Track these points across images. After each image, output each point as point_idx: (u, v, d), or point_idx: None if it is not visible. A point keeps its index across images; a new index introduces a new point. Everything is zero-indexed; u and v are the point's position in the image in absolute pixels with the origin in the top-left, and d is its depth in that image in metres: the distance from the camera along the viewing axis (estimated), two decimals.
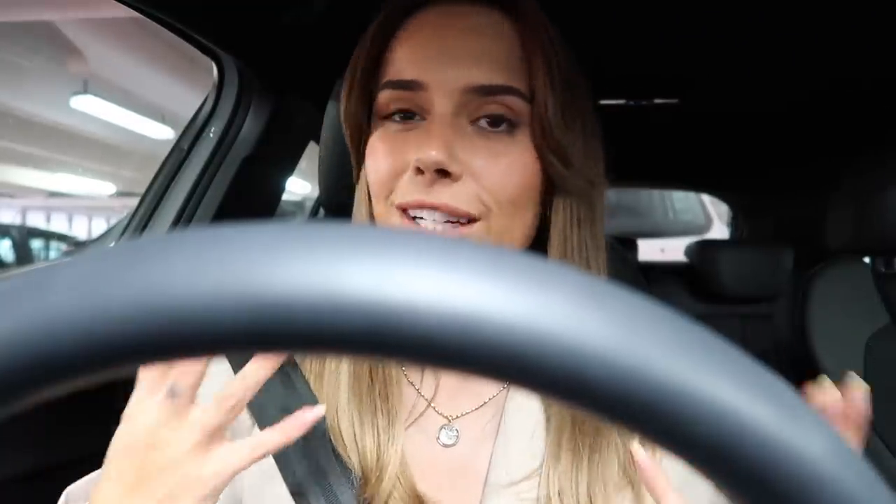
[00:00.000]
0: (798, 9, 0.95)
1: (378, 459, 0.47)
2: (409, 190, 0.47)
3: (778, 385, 0.14)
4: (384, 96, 0.50)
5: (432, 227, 0.47)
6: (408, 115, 0.49)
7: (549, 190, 0.51)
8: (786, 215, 1.94)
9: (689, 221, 3.60)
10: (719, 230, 3.71)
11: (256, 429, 0.50)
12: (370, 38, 0.51)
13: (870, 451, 1.22)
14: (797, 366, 1.38)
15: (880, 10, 0.94)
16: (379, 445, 0.48)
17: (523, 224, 0.50)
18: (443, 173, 0.46)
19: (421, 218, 0.47)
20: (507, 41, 0.49)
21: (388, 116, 0.50)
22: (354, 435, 0.48)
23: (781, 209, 1.98)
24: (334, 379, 0.51)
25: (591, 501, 0.46)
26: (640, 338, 0.13)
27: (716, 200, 2.83)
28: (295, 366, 0.53)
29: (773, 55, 1.14)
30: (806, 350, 1.34)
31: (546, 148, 0.48)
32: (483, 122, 0.48)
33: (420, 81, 0.48)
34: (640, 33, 1.06)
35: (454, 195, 0.47)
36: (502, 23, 0.49)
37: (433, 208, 0.47)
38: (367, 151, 0.51)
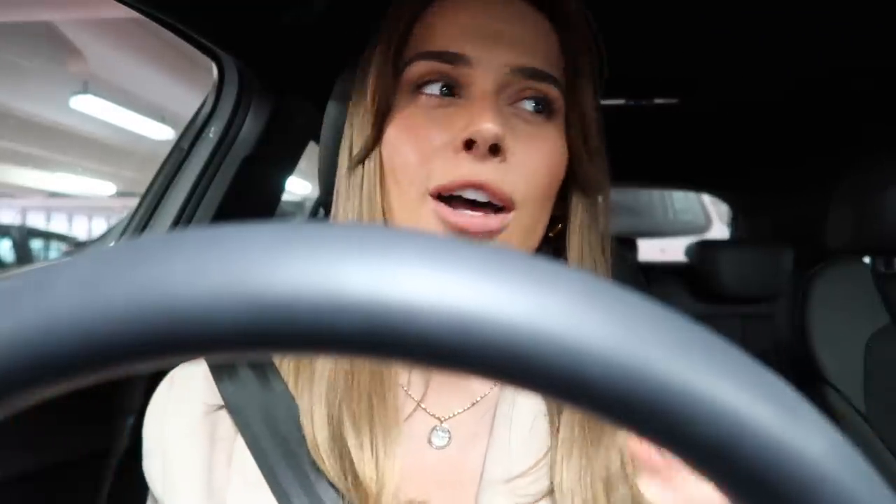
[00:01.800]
0: (798, 9, 0.95)
1: (377, 474, 0.44)
2: (451, 169, 0.44)
3: (778, 385, 0.14)
4: (419, 67, 0.47)
5: (468, 215, 0.44)
6: (443, 92, 0.47)
7: (563, 192, 0.51)
8: (786, 215, 1.94)
9: (689, 221, 3.60)
10: (719, 230, 3.70)
11: (239, 436, 0.48)
12: (410, 6, 0.48)
13: (870, 451, 1.22)
14: (797, 366, 1.38)
15: (880, 10, 0.94)
16: (377, 460, 0.45)
17: (544, 221, 0.49)
18: (494, 150, 0.43)
19: (458, 199, 0.44)
20: (550, 39, 0.49)
21: (419, 88, 0.47)
22: (346, 447, 0.45)
23: (781, 209, 1.98)
24: (308, 383, 0.48)
25: (594, 496, 0.46)
26: (640, 337, 0.13)
27: (716, 200, 2.83)
28: (272, 365, 0.51)
29: (772, 55, 1.14)
30: (806, 350, 1.34)
31: (582, 145, 0.48)
32: (524, 104, 0.47)
33: (465, 55, 0.46)
34: (640, 33, 1.06)
35: (502, 174, 0.44)
36: (546, 23, 0.49)
37: (479, 187, 0.44)
38: (391, 132, 0.47)
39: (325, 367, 0.48)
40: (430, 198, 0.45)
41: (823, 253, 1.40)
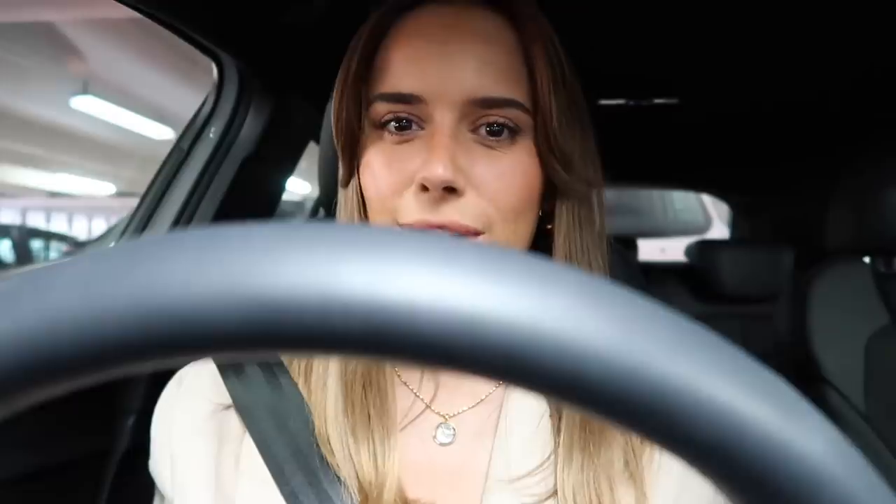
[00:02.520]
0: (797, 9, 0.95)
1: (377, 473, 0.46)
2: (413, 209, 0.46)
3: (778, 385, 0.14)
4: (379, 108, 0.48)
5: None
6: (404, 126, 0.48)
7: (549, 192, 0.51)
8: (786, 215, 1.94)
9: (689, 221, 3.60)
10: (719, 230, 3.70)
11: (248, 434, 0.49)
12: (363, 39, 0.49)
13: (870, 451, 1.22)
14: (797, 366, 1.38)
15: (879, 11, 0.94)
16: (376, 458, 0.46)
17: (525, 230, 0.50)
18: (449, 190, 0.45)
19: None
20: (509, 49, 0.48)
21: (382, 126, 0.48)
22: (349, 446, 0.47)
23: (781, 209, 1.98)
24: (322, 383, 0.49)
25: (599, 496, 0.46)
26: (640, 337, 0.13)
27: (716, 200, 2.83)
28: (282, 365, 0.52)
29: (772, 55, 1.14)
30: (806, 350, 1.34)
31: (550, 155, 0.48)
32: (483, 132, 0.47)
33: (419, 95, 0.46)
34: (639, 33, 1.06)
35: (460, 211, 0.45)
36: (503, 28, 0.48)
37: (440, 227, 0.45)
38: (363, 164, 0.49)
39: (335, 365, 0.49)
40: (399, 227, 0.47)
41: (823, 253, 1.40)
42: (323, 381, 0.49)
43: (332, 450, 0.47)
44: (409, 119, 0.47)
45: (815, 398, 1.28)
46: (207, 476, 0.48)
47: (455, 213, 0.45)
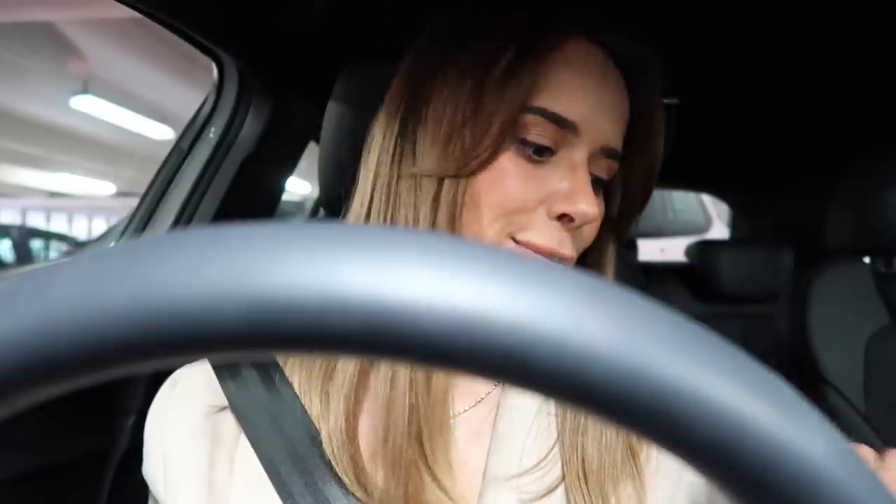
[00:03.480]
0: (797, 9, 0.95)
1: (387, 495, 0.45)
2: (542, 233, 0.48)
3: (778, 385, 0.14)
4: (534, 120, 0.47)
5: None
6: (543, 152, 0.48)
7: None
8: (786, 215, 1.94)
9: (689, 221, 3.60)
10: (719, 230, 3.70)
11: (243, 436, 0.49)
12: (533, 51, 0.48)
13: None
14: (797, 366, 1.38)
15: (878, 11, 0.94)
16: (393, 478, 0.45)
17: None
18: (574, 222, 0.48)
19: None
20: (625, 106, 0.51)
21: (522, 139, 0.48)
22: (359, 446, 0.46)
23: (781, 209, 1.98)
24: (324, 385, 0.49)
25: (601, 492, 0.46)
26: (640, 338, 0.13)
27: (716, 200, 2.83)
28: (277, 366, 0.51)
29: (773, 55, 1.14)
30: (806, 350, 1.34)
31: (630, 198, 0.55)
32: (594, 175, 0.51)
33: (576, 124, 0.48)
34: (639, 33, 1.06)
35: (574, 245, 0.49)
36: (622, 83, 0.52)
37: (554, 254, 0.48)
38: (492, 168, 0.48)
39: (337, 366, 0.49)
40: (511, 240, 0.49)
41: (823, 253, 1.40)
42: (323, 382, 0.49)
43: (333, 449, 0.46)
44: (549, 147, 0.48)
45: (815, 398, 1.28)
46: (200, 478, 0.47)
47: (570, 248, 0.49)
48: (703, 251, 1.64)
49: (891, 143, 1.35)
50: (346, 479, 0.46)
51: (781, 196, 1.97)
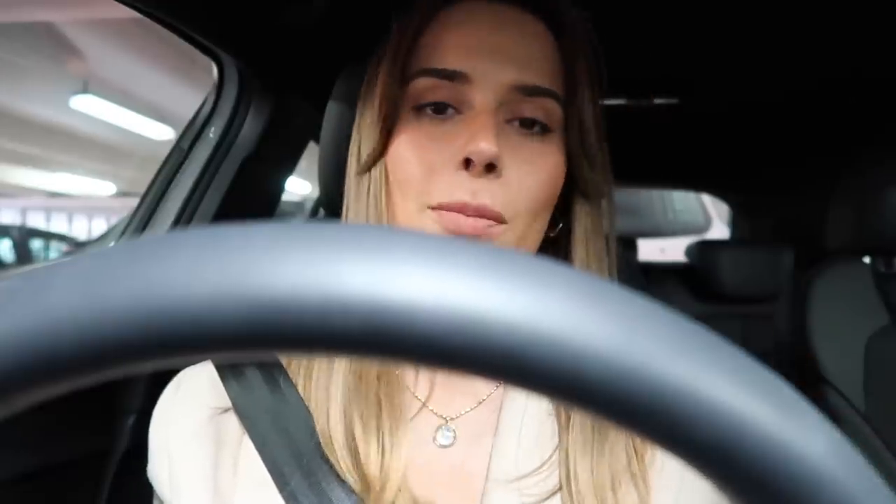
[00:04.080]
0: (797, 8, 0.95)
1: (381, 469, 0.45)
2: (449, 189, 0.46)
3: (778, 385, 0.14)
4: (422, 84, 0.48)
5: (462, 219, 0.46)
6: (441, 109, 0.48)
7: (566, 195, 0.51)
8: (786, 215, 1.94)
9: (689, 221, 3.60)
10: (719, 230, 3.70)
11: (247, 438, 0.49)
12: (413, 20, 0.49)
13: (870, 451, 1.22)
14: (797, 366, 1.38)
15: (878, 10, 0.94)
16: (383, 454, 0.46)
17: (541, 229, 0.50)
18: (490, 168, 0.45)
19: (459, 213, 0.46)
20: (549, 49, 0.49)
21: (419, 108, 0.48)
22: (355, 442, 0.46)
23: (781, 209, 1.98)
24: (325, 382, 0.49)
25: (602, 495, 0.46)
26: (640, 338, 0.13)
27: (716, 200, 2.82)
28: (281, 367, 0.51)
29: (772, 55, 1.14)
30: (806, 350, 1.34)
31: (580, 151, 0.49)
32: (517, 123, 0.48)
33: (465, 73, 0.47)
34: (639, 33, 1.06)
35: (494, 196, 0.46)
36: (545, 32, 0.50)
37: (475, 212, 0.45)
38: (395, 144, 0.48)
39: (338, 367, 0.49)
40: (430, 210, 0.47)
41: (823, 253, 1.40)
42: (328, 377, 0.49)
43: (335, 451, 0.46)
44: (447, 102, 0.48)
45: (815, 398, 1.28)
46: (205, 480, 0.47)
47: (489, 197, 0.45)
48: (703, 251, 1.64)
49: (890, 143, 1.35)
50: (349, 479, 0.46)
51: (781, 196, 1.97)
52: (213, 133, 1.12)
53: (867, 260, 1.42)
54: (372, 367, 0.49)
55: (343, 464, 0.46)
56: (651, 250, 3.36)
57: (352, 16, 0.95)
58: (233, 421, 0.50)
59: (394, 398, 0.48)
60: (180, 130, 1.17)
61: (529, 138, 0.48)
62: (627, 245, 2.58)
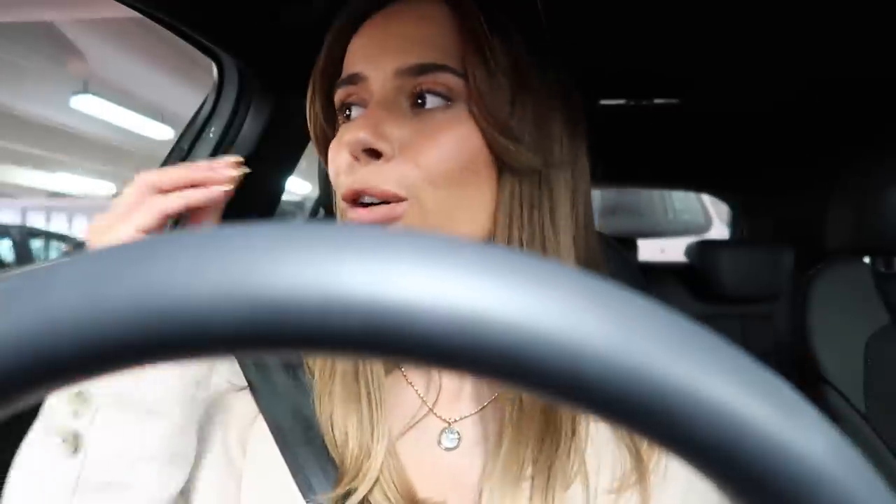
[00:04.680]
0: (798, 8, 0.95)
1: (358, 457, 0.47)
2: (347, 182, 0.48)
3: (778, 385, 0.14)
4: (337, 96, 0.51)
5: (358, 213, 0.47)
6: (352, 112, 0.51)
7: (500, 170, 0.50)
8: (786, 215, 1.94)
9: (689, 221, 3.60)
10: (719, 230, 3.70)
11: (260, 419, 0.51)
12: (328, 42, 0.52)
13: (870, 451, 1.22)
14: (797, 366, 1.38)
15: (879, 10, 0.94)
16: (361, 443, 0.47)
17: (468, 205, 0.48)
18: (373, 154, 0.46)
19: (362, 203, 0.47)
20: (445, 26, 0.49)
21: (343, 113, 0.51)
22: (345, 428, 0.48)
23: (781, 209, 1.98)
24: (328, 370, 0.52)
25: (605, 496, 0.46)
26: (640, 338, 0.13)
27: (716, 200, 2.83)
28: (305, 365, 0.53)
29: (772, 55, 1.14)
30: (806, 350, 1.34)
31: (486, 122, 0.47)
32: (417, 101, 0.48)
33: (360, 73, 0.49)
34: (640, 33, 1.06)
35: (379, 176, 0.46)
36: (440, 12, 0.50)
37: (362, 193, 0.47)
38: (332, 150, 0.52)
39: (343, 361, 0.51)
40: (345, 203, 0.49)
41: (823, 253, 1.40)
42: (329, 369, 0.51)
43: (334, 439, 0.48)
44: (356, 103, 0.50)
45: (815, 398, 1.28)
46: (218, 453, 0.50)
47: (375, 178, 0.46)
48: (703, 251, 1.64)
49: (890, 143, 1.35)
50: (347, 466, 0.47)
51: (781, 196, 1.97)
52: (213, 133, 1.12)
53: (867, 260, 1.42)
54: (356, 367, 0.51)
55: (332, 447, 0.48)
56: (651, 250, 3.36)
57: None
58: (245, 400, 0.51)
59: (377, 393, 0.50)
60: (180, 130, 1.17)
61: (430, 113, 0.48)
62: (627, 245, 2.58)
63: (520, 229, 0.49)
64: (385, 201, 0.46)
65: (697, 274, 1.65)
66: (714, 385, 0.13)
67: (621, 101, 1.41)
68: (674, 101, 1.40)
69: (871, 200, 1.26)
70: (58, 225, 11.88)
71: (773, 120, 1.54)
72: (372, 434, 0.48)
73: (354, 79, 0.49)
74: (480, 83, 0.47)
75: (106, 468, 0.43)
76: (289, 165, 1.31)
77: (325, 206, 0.77)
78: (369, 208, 0.47)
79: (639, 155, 1.75)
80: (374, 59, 0.49)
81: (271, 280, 0.13)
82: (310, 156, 1.15)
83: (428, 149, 0.46)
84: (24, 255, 6.02)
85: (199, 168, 0.47)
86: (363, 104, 0.50)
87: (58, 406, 0.44)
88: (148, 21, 0.91)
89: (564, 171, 0.51)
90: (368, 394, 0.49)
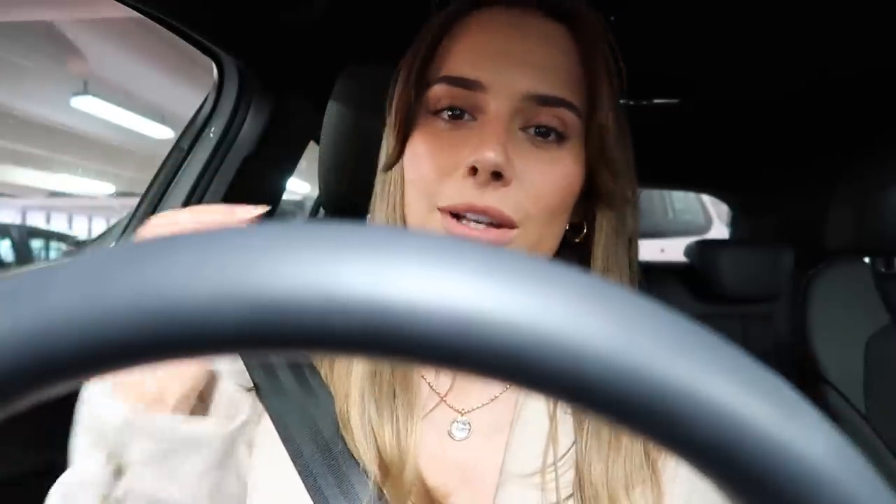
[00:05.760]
0: (798, 9, 0.95)
1: (399, 452, 0.47)
2: (458, 192, 0.47)
3: (778, 385, 0.14)
4: (438, 90, 0.49)
5: (471, 227, 0.47)
6: (457, 115, 0.49)
7: (585, 200, 0.51)
8: (786, 215, 1.93)
9: (689, 221, 3.60)
10: (719, 230, 3.70)
11: (265, 418, 0.51)
12: (433, 29, 0.50)
13: (870, 451, 1.22)
14: (797, 366, 1.38)
15: (879, 10, 0.94)
16: (399, 438, 0.47)
17: (556, 233, 0.50)
18: (497, 176, 0.46)
19: (465, 218, 0.47)
20: (569, 55, 0.49)
21: (437, 112, 0.49)
22: (372, 427, 0.48)
23: (781, 209, 1.98)
24: (345, 369, 0.51)
25: (615, 492, 0.46)
26: (640, 338, 0.13)
27: (716, 200, 2.83)
28: (311, 364, 0.53)
29: (772, 54, 1.14)
30: (806, 350, 1.34)
31: (600, 161, 0.49)
32: (532, 131, 0.48)
33: (480, 81, 0.47)
34: (640, 33, 1.06)
35: (502, 199, 0.46)
36: (566, 36, 0.49)
37: (482, 212, 0.46)
38: (410, 148, 0.50)
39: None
40: (438, 212, 0.48)
41: (823, 253, 1.40)
42: (347, 368, 0.51)
43: (352, 432, 0.48)
44: (462, 108, 0.49)
45: (815, 398, 1.28)
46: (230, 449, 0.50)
47: (497, 200, 0.46)
48: (703, 251, 1.64)
49: (890, 143, 1.35)
50: (364, 462, 0.47)
51: (781, 196, 1.97)
52: (213, 133, 1.12)
53: (867, 260, 1.42)
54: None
55: (360, 447, 0.48)
56: (651, 250, 3.36)
57: (352, 16, 0.95)
58: (250, 400, 0.51)
59: (408, 387, 0.49)
60: (180, 130, 1.17)
61: (545, 145, 0.48)
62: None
63: (615, 261, 0.51)
64: (498, 224, 0.47)
65: (697, 274, 1.65)
66: (714, 385, 0.13)
67: (621, 101, 1.41)
68: (674, 101, 1.40)
69: (871, 200, 1.26)
70: (58, 225, 11.87)
71: (774, 120, 1.54)
72: (409, 435, 0.48)
73: (470, 84, 0.48)
74: (605, 124, 0.48)
75: None
76: (289, 165, 1.31)
77: (325, 206, 0.76)
78: (483, 229, 0.47)
79: (638, 155, 1.74)
80: (498, 71, 0.47)
81: (271, 280, 0.13)
82: (310, 156, 1.15)
83: (543, 181, 0.47)
84: (24, 255, 6.02)
85: (213, 212, 0.46)
86: (469, 111, 0.49)
87: (95, 468, 0.44)
88: (148, 21, 0.91)
89: (636, 195, 0.53)
90: (396, 390, 0.49)
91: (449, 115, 0.49)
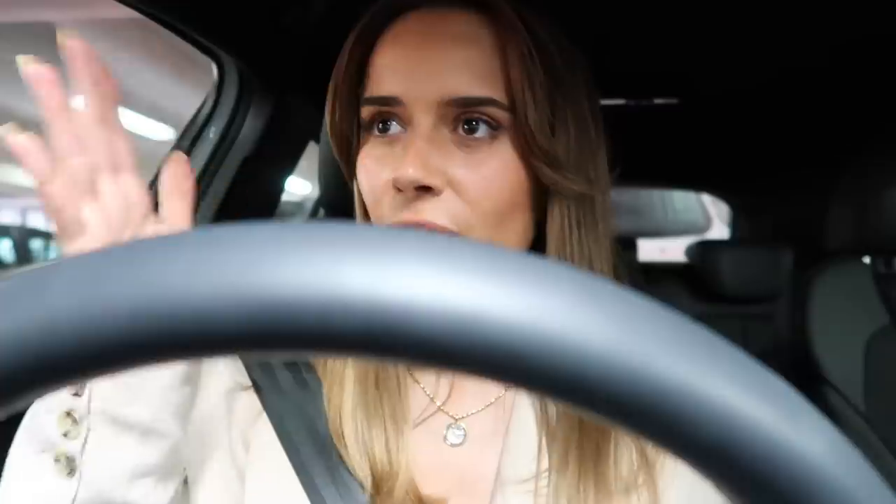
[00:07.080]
0: (797, 10, 0.95)
1: (390, 468, 0.47)
2: (393, 210, 0.47)
3: (778, 385, 0.14)
4: (366, 111, 0.50)
5: None
6: (388, 127, 0.49)
7: (544, 194, 0.50)
8: (786, 215, 1.93)
9: (689, 221, 3.59)
10: (719, 230, 3.70)
11: (263, 417, 0.51)
12: (350, 47, 0.50)
13: (870, 451, 1.22)
14: (797, 366, 1.38)
15: (880, 11, 0.94)
16: (389, 453, 0.47)
17: (514, 233, 0.49)
18: (423, 189, 0.46)
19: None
20: (486, 49, 0.48)
21: (371, 128, 0.50)
22: (363, 440, 0.48)
23: (781, 209, 1.98)
24: (339, 380, 0.51)
25: (608, 497, 0.46)
26: (640, 338, 0.13)
27: (716, 200, 2.82)
28: (309, 365, 0.53)
29: (773, 55, 1.14)
30: (806, 350, 1.34)
31: (531, 154, 0.47)
32: (461, 130, 0.47)
33: (398, 97, 0.47)
34: (639, 33, 1.06)
35: (435, 211, 0.46)
36: (480, 29, 0.48)
37: (419, 227, 0.46)
38: (358, 165, 0.51)
39: (351, 363, 0.51)
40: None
41: (823, 253, 1.39)
42: (340, 378, 0.51)
43: (345, 444, 0.48)
44: (390, 119, 0.49)
45: (815, 398, 1.28)
46: (224, 453, 0.50)
47: (430, 212, 0.46)
48: (703, 251, 1.64)
49: (890, 143, 1.35)
50: (358, 476, 0.47)
51: (781, 196, 1.97)
52: (213, 133, 1.12)
53: (867, 260, 1.42)
54: (372, 372, 0.50)
55: (354, 460, 0.48)
56: (651, 250, 3.36)
57: (351, 16, 0.95)
58: (247, 399, 0.51)
59: (398, 398, 0.50)
60: (180, 130, 1.17)
61: (476, 145, 0.47)
62: (627, 245, 2.58)
63: (571, 251, 0.50)
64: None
65: (697, 274, 1.65)
66: (714, 385, 0.13)
67: (621, 101, 1.41)
68: (674, 101, 1.40)
69: (871, 200, 1.26)
70: None
71: (773, 120, 1.54)
72: (399, 449, 0.48)
73: (390, 101, 0.48)
74: (527, 116, 0.47)
75: (103, 488, 0.42)
76: (289, 165, 1.31)
77: (325, 206, 0.76)
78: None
79: (638, 155, 1.74)
80: (414, 84, 0.47)
81: (271, 280, 0.13)
82: (310, 156, 1.15)
83: (476, 184, 0.47)
84: (24, 255, 6.01)
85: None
86: (399, 122, 0.49)
87: (47, 423, 0.41)
88: (148, 21, 0.91)
89: (602, 186, 0.51)
90: (386, 404, 0.49)
91: (380, 129, 0.49)
